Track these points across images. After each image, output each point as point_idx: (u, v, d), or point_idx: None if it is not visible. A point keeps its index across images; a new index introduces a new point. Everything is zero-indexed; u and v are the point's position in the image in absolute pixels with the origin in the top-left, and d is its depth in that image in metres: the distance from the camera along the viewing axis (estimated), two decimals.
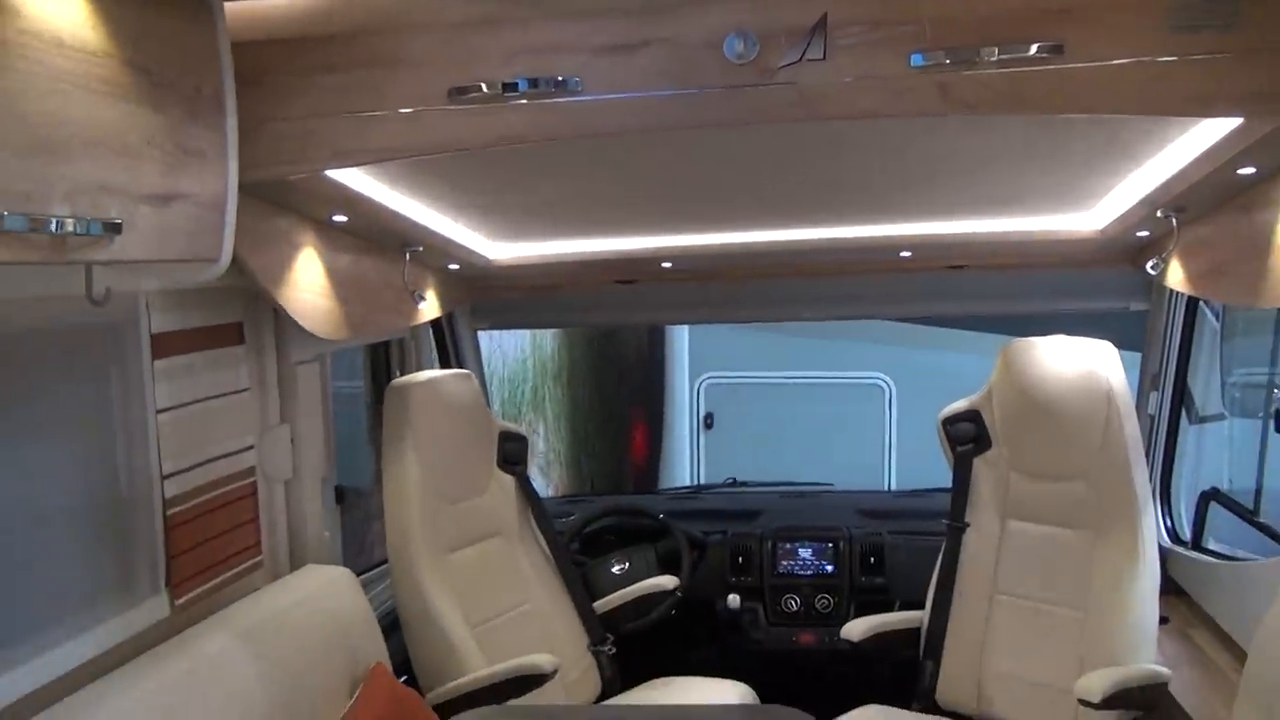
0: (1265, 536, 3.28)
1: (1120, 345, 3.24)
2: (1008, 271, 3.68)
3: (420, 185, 2.60)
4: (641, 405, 7.90)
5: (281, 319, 2.86)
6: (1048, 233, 3.25)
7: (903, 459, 6.80)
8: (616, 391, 8.03)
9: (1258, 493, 3.52)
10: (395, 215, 2.71)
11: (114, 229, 1.65)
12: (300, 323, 2.57)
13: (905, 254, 3.48)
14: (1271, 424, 3.51)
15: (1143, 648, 2.90)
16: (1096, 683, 2.67)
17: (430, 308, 3.41)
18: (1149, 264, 2.99)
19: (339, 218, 2.63)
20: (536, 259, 3.56)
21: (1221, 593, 3.28)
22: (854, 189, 2.84)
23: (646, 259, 3.51)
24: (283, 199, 2.42)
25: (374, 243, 2.97)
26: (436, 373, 3.40)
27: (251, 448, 2.77)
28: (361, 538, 4.23)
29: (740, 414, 7.23)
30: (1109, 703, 2.67)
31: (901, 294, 4.04)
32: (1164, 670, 2.83)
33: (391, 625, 3.11)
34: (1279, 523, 3.24)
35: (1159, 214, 2.78)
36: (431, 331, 4.06)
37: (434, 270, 3.47)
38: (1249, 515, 3.41)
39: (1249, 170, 2.33)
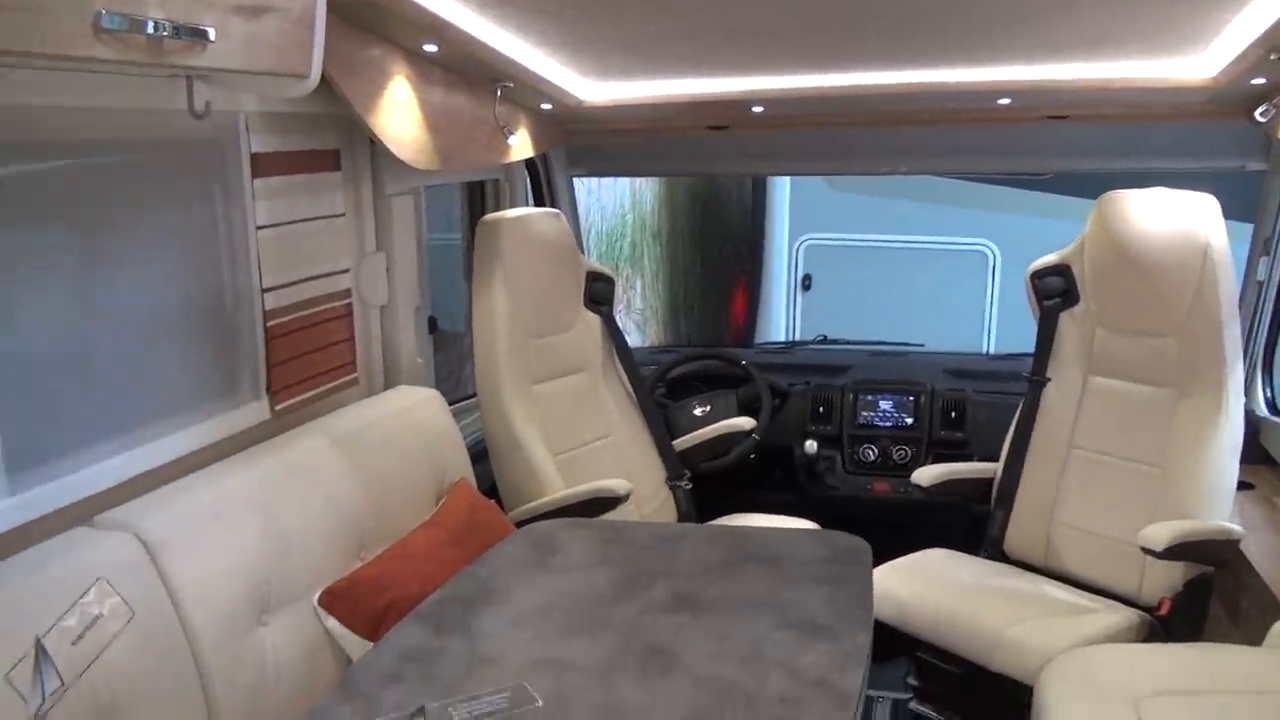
0: None
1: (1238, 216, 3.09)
2: (1113, 123, 3.54)
3: (508, 14, 2.62)
4: (742, 266, 7.88)
5: (377, 151, 2.97)
6: (1155, 79, 3.10)
7: (1003, 328, 6.69)
8: (718, 252, 8.02)
9: None
10: (484, 47, 2.75)
11: (206, 36, 1.74)
12: (393, 150, 2.66)
13: (1004, 101, 3.37)
14: None
15: (1217, 505, 2.88)
16: (1162, 532, 2.68)
17: (522, 146, 3.47)
18: (1259, 111, 2.85)
19: (429, 47, 2.68)
20: (627, 100, 3.56)
21: None
22: (948, 26, 2.75)
23: (737, 101, 3.49)
24: (373, 24, 2.48)
25: (465, 77, 3.02)
26: (527, 210, 3.48)
27: (348, 271, 2.91)
28: (456, 376, 4.42)
29: (839, 277, 7.15)
30: (1173, 553, 2.68)
31: (1001, 147, 3.92)
32: (1235, 528, 2.81)
33: (480, 455, 3.28)
34: None
35: (1272, 58, 2.64)
36: (528, 178, 4.13)
37: (526, 110, 3.52)
38: None
39: None
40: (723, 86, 3.41)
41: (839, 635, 1.93)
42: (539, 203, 4.21)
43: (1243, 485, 3.18)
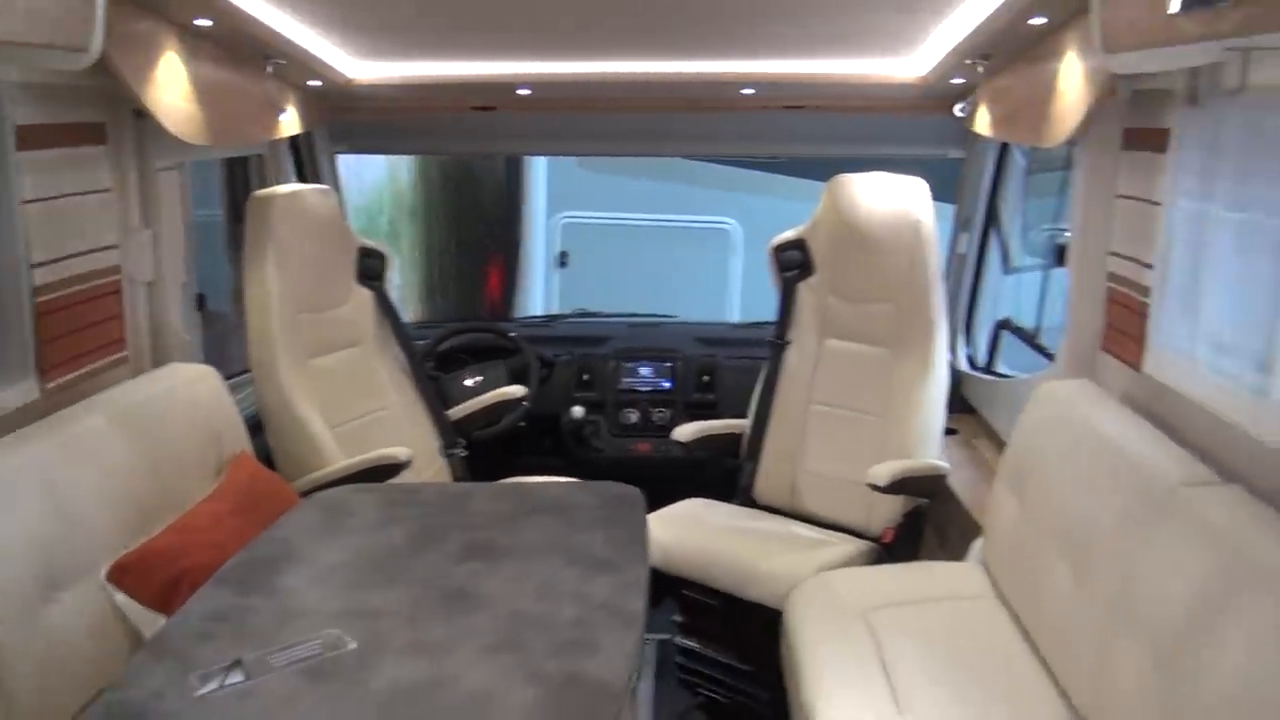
0: (1044, 358, 3.76)
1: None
2: (842, 114, 3.98)
3: None
4: (498, 244, 8.03)
5: (142, 124, 2.92)
6: (876, 76, 3.53)
7: (746, 298, 7.21)
8: (473, 230, 8.13)
9: (1036, 323, 4.02)
10: (257, 23, 2.78)
11: None
12: (164, 123, 2.65)
13: (747, 91, 3.72)
14: (1053, 261, 3.96)
15: (929, 447, 3.35)
16: (884, 471, 3.10)
17: (291, 123, 3.48)
18: (957, 107, 3.32)
19: (202, 21, 2.68)
20: (395, 79, 3.64)
21: (1000, 406, 3.77)
22: (700, 22, 3.03)
23: (503, 85, 3.65)
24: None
25: (236, 52, 3.02)
26: (298, 186, 3.51)
27: (115, 247, 2.86)
28: (219, 355, 4.34)
29: (595, 253, 7.47)
30: (894, 488, 3.12)
31: (745, 132, 4.30)
32: (943, 464, 3.29)
33: (254, 429, 3.29)
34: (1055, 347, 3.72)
35: (968, 61, 3.09)
36: (291, 154, 4.11)
37: (295, 87, 3.53)
38: (1030, 338, 3.89)
39: (1040, 20, 2.64)
40: (490, 69, 3.56)
41: (621, 568, 2.17)
42: (302, 179, 4.20)
43: (949, 431, 3.69)
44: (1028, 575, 2.57)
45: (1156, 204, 2.46)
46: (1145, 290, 2.50)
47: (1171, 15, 1.72)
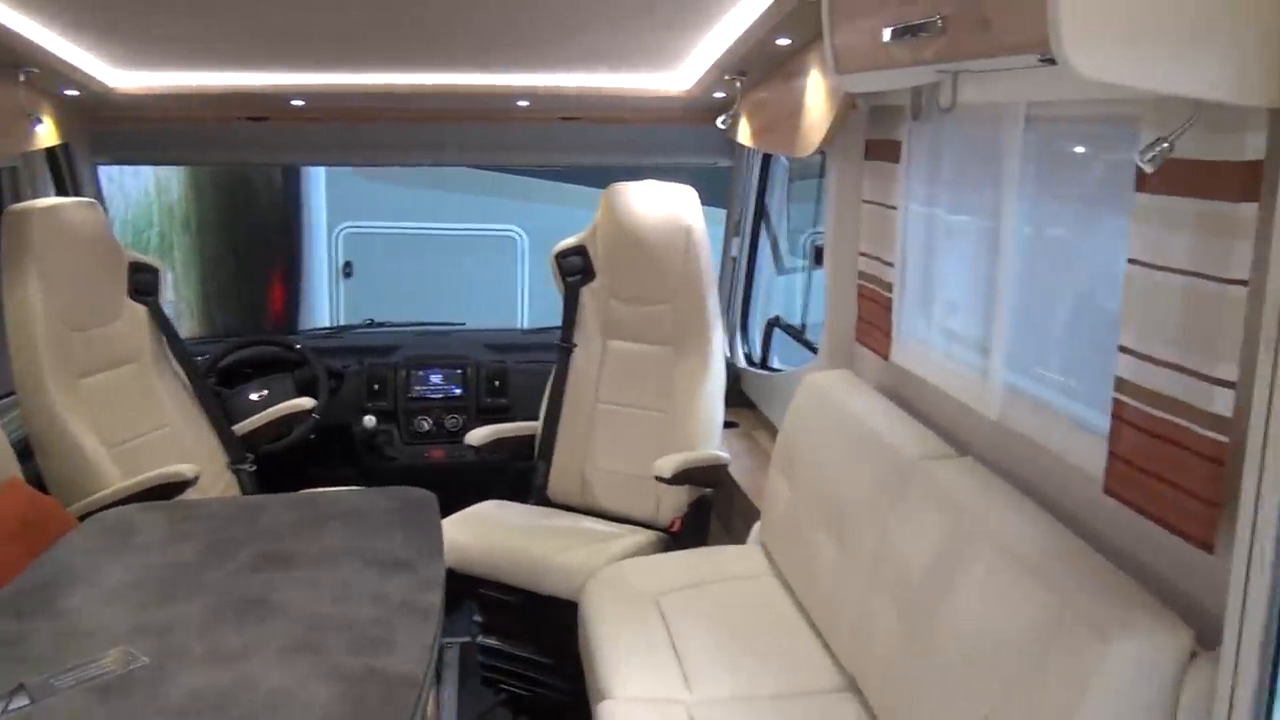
0: (811, 352, 4.06)
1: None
2: (615, 125, 4.16)
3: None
4: (277, 254, 7.81)
5: None
6: (645, 90, 3.73)
7: (533, 304, 7.32)
8: (251, 241, 7.88)
9: (803, 320, 4.33)
10: (6, 30, 2.67)
11: None
12: None
13: (523, 103, 3.84)
14: (813, 262, 4.28)
15: (710, 439, 3.56)
16: (669, 463, 3.29)
17: (46, 134, 3.34)
18: (719, 120, 3.55)
19: None
20: (163, 89, 3.54)
21: (773, 398, 4.05)
22: (474, 35, 3.12)
23: (276, 95, 3.62)
24: None
25: None
26: (59, 200, 3.36)
27: None
28: None
29: (380, 263, 7.40)
30: (679, 479, 3.31)
31: (523, 143, 4.41)
32: (724, 455, 3.51)
33: (23, 455, 3.13)
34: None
35: (727, 77, 3.32)
36: (49, 166, 3.92)
37: (51, 96, 3.38)
38: (798, 334, 4.19)
39: (786, 41, 2.88)
40: (263, 79, 3.52)
41: (417, 567, 2.24)
42: (60, 192, 4.00)
43: (729, 424, 3.93)
44: (799, 551, 2.80)
45: (894, 208, 2.73)
46: (890, 286, 2.77)
47: (885, 43, 1.95)
